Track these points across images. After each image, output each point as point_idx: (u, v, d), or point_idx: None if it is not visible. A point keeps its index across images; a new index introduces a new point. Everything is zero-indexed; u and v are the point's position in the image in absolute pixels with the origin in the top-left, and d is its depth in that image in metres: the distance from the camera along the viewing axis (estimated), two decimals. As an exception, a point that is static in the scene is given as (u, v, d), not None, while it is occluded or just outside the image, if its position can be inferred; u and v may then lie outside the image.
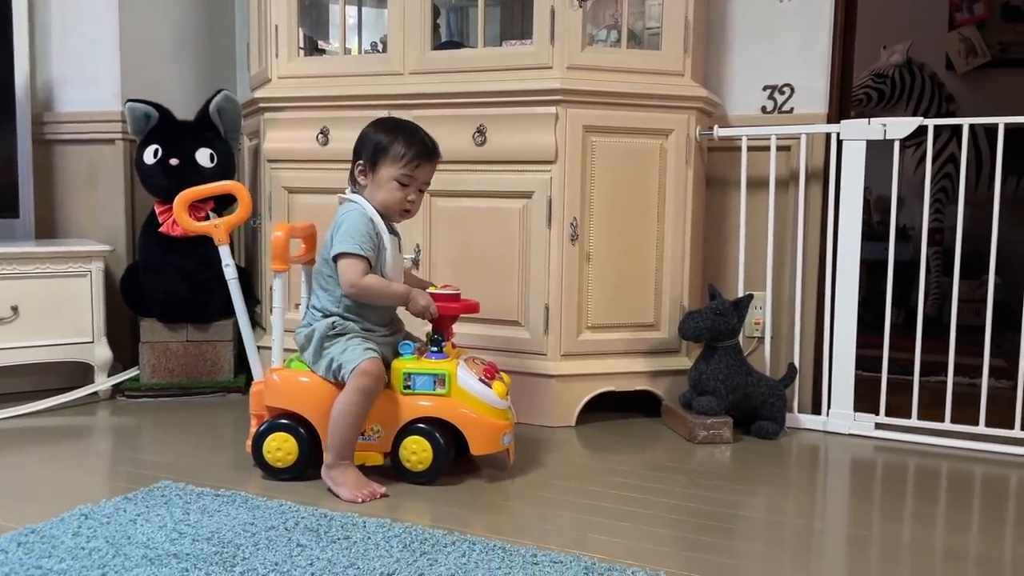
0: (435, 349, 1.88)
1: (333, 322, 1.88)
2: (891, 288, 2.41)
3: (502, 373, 1.94)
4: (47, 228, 2.85)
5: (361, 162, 1.93)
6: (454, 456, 1.87)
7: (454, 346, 1.96)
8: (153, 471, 1.91)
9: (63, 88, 2.84)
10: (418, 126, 1.98)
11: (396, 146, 1.89)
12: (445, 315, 1.90)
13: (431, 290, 1.92)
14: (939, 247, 4.41)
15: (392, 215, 1.94)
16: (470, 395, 1.84)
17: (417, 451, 1.83)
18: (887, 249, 2.46)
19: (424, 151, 1.92)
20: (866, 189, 4.51)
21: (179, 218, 2.02)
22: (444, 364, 1.85)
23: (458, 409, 1.84)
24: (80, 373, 2.61)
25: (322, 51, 3.04)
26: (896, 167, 2.36)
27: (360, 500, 1.72)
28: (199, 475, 1.88)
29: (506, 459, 1.97)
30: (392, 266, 1.92)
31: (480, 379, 1.85)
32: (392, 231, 1.95)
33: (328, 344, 1.86)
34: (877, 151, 2.38)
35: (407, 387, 1.85)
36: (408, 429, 1.84)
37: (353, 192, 1.95)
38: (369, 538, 1.50)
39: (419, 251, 2.46)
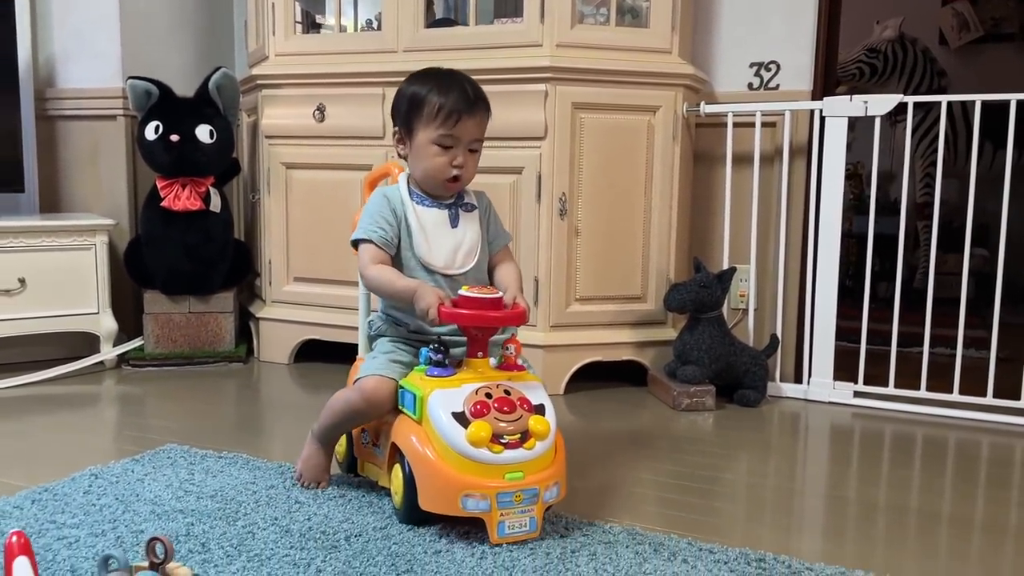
0: (438, 362, 1.50)
1: (370, 322, 1.69)
2: (870, 261, 2.48)
3: (535, 419, 1.43)
4: (50, 203, 2.92)
5: (396, 129, 1.63)
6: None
7: (508, 365, 1.54)
8: (158, 435, 1.99)
9: (65, 64, 2.89)
10: (458, 72, 1.63)
11: (430, 101, 1.55)
12: (468, 325, 1.48)
13: (462, 291, 1.48)
14: (929, 221, 4.47)
15: (438, 187, 1.60)
16: (433, 429, 1.42)
17: (395, 482, 1.50)
18: (880, 222, 2.51)
19: (463, 100, 1.55)
20: (858, 163, 4.53)
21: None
22: (424, 383, 1.46)
23: (409, 439, 1.45)
24: (85, 343, 2.69)
25: (319, 26, 3.09)
26: (876, 142, 2.42)
27: (297, 479, 1.64)
28: (202, 439, 1.96)
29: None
30: (431, 245, 1.59)
31: (460, 412, 1.41)
32: (446, 204, 1.63)
33: (372, 345, 1.67)
34: (870, 127, 2.43)
35: (402, 403, 1.51)
36: (396, 453, 1.51)
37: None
38: (364, 496, 1.59)
39: None
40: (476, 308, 1.45)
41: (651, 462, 1.92)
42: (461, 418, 1.40)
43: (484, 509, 1.38)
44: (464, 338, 1.53)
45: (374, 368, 1.54)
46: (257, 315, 2.80)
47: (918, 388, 2.39)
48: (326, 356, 2.71)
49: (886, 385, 2.42)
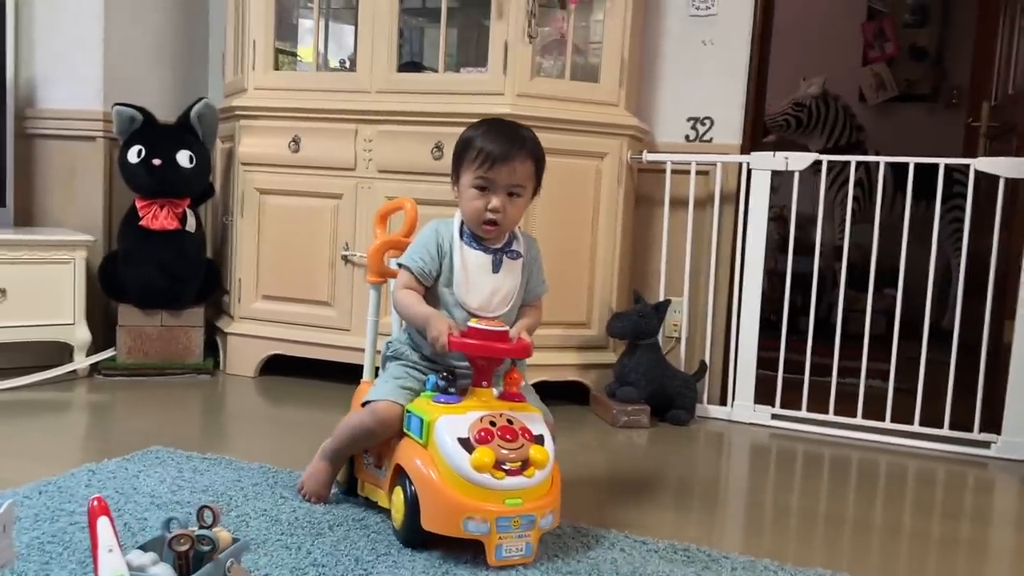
0: (447, 390, 1.57)
1: (389, 343, 1.76)
2: (788, 297, 2.78)
3: (535, 449, 1.50)
4: (24, 217, 3.03)
5: (453, 176, 1.71)
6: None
7: (509, 395, 1.60)
8: (140, 439, 2.13)
9: (46, 85, 3.02)
10: (512, 123, 1.71)
11: (473, 145, 1.63)
12: (474, 355, 1.56)
13: (471, 322, 1.57)
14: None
15: (477, 229, 1.66)
16: (439, 453, 1.48)
17: (396, 503, 1.56)
18: (797, 262, 2.81)
19: (501, 146, 1.61)
20: (784, 207, 4.86)
21: (374, 267, 1.84)
22: (431, 408, 1.54)
23: (414, 462, 1.51)
24: (54, 351, 2.81)
25: (280, 51, 3.24)
26: (795, 193, 2.75)
27: (299, 490, 1.75)
28: (183, 443, 2.11)
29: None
30: (470, 287, 1.65)
31: (465, 438, 1.47)
32: (492, 249, 1.68)
33: (386, 366, 1.76)
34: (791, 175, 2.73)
35: (408, 427, 1.59)
36: (399, 475, 1.57)
37: None
38: (341, 494, 1.79)
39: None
40: (483, 339, 1.53)
41: (592, 472, 2.16)
42: (466, 444, 1.47)
43: (484, 532, 1.44)
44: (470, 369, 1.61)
45: (384, 393, 1.62)
46: (225, 330, 2.96)
47: (827, 412, 2.69)
48: (290, 370, 2.89)
49: (800, 409, 2.72)
